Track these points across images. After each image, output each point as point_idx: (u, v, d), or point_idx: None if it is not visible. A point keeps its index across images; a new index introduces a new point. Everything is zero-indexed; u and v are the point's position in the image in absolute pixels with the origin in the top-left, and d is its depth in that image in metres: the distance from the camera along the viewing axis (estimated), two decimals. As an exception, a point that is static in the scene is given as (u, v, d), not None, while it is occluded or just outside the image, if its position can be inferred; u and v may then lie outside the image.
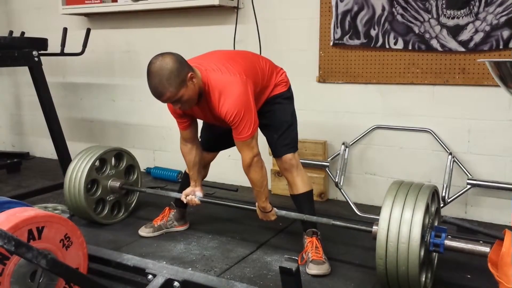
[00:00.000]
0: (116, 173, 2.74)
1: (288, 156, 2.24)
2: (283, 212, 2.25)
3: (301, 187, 2.27)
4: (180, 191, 2.60)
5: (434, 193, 1.88)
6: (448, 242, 1.79)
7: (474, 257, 2.22)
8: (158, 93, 1.95)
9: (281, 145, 2.25)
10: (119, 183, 2.70)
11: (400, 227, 1.70)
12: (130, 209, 2.87)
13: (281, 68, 2.35)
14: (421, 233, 1.68)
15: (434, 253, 1.97)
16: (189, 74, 1.96)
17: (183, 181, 2.64)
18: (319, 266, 2.10)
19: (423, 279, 1.79)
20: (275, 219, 2.27)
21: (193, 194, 2.41)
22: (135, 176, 2.87)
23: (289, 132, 2.28)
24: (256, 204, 2.27)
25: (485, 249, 1.72)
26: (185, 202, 2.43)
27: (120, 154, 2.79)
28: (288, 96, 2.32)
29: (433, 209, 1.89)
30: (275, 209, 2.25)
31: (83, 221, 2.72)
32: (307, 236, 2.24)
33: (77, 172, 2.58)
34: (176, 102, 2.00)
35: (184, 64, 1.97)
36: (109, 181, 2.70)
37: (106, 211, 2.71)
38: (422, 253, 1.72)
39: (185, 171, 2.60)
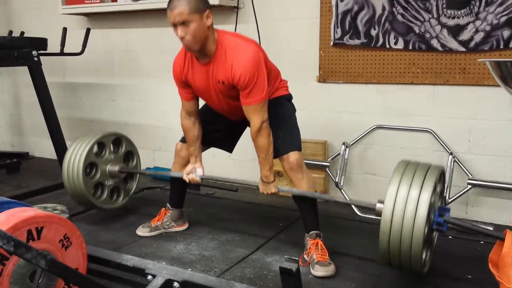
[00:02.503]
0: (115, 158, 2.72)
1: (294, 154, 2.21)
2: (286, 188, 2.25)
3: (305, 189, 2.24)
4: (172, 196, 2.63)
5: (442, 174, 1.87)
6: (452, 221, 1.76)
7: (475, 257, 2.23)
8: (173, 4, 1.99)
9: (286, 143, 2.23)
10: (118, 167, 2.68)
11: (407, 204, 1.67)
12: (130, 195, 2.84)
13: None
14: (428, 211, 1.66)
15: (435, 232, 1.95)
16: (208, 11, 2.02)
17: (172, 185, 2.64)
18: (325, 268, 2.09)
19: (424, 256, 1.77)
20: (276, 193, 2.25)
21: (193, 172, 2.40)
22: (134, 163, 2.85)
23: (293, 132, 2.28)
24: (259, 176, 2.25)
25: (489, 228, 1.70)
26: (186, 181, 2.42)
27: (118, 139, 2.77)
28: (290, 99, 2.36)
29: (438, 189, 1.87)
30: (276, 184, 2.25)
31: (83, 221, 2.72)
32: (310, 238, 2.22)
33: (75, 156, 2.55)
34: (183, 25, 1.99)
35: (208, 2, 2.06)
36: (108, 165, 2.68)
37: (105, 196, 2.69)
38: (426, 231, 1.70)
39: (171, 178, 2.60)
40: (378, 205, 1.85)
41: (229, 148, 2.55)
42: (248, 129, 2.34)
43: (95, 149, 2.63)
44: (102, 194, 2.69)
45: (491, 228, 1.94)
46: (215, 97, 2.22)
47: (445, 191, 1.97)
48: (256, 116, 2.09)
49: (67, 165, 2.58)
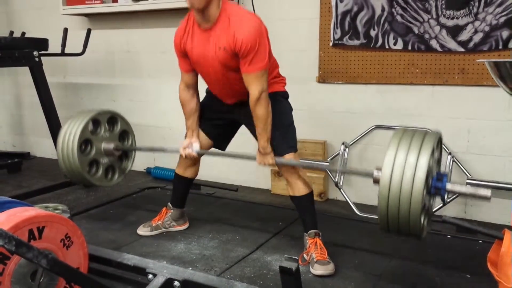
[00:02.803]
0: (110, 136, 2.66)
1: (290, 156, 2.22)
2: (282, 160, 2.21)
3: (302, 189, 2.26)
4: (174, 196, 2.62)
5: (439, 140, 1.86)
6: (449, 186, 1.75)
7: (474, 257, 2.23)
8: None
9: (282, 144, 2.23)
10: (113, 145, 2.62)
11: (405, 169, 1.65)
12: (125, 173, 2.78)
13: None
14: (426, 175, 1.64)
15: (432, 199, 1.92)
16: None
17: (175, 185, 2.63)
18: (325, 267, 2.10)
19: (423, 220, 1.76)
20: (273, 164, 2.22)
21: (190, 147, 2.37)
22: (130, 142, 2.78)
23: (289, 132, 2.27)
24: (257, 149, 2.22)
25: (486, 193, 1.68)
26: (183, 156, 2.40)
27: (114, 118, 2.71)
28: (287, 97, 2.34)
29: (436, 155, 1.86)
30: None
31: (84, 221, 2.73)
32: (309, 237, 2.23)
33: (70, 133, 2.49)
34: None
35: None
36: (103, 143, 2.61)
37: (100, 174, 2.63)
38: (424, 194, 1.68)
39: (177, 174, 2.59)
40: (376, 172, 1.84)
41: (223, 146, 2.54)
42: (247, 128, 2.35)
43: (90, 126, 2.56)
44: (97, 172, 2.62)
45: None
46: (213, 68, 2.16)
47: (441, 156, 1.93)
48: (256, 84, 2.06)
49: (62, 141, 2.50)
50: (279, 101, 2.27)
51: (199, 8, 2.03)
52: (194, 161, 2.51)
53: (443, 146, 2.72)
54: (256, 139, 2.25)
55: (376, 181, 1.78)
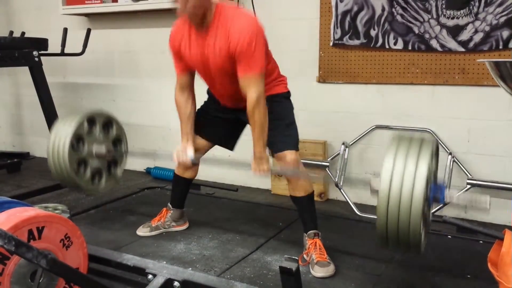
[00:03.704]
0: (103, 139, 2.56)
1: (290, 153, 2.16)
2: (278, 168, 2.19)
3: (303, 190, 2.23)
4: (173, 196, 2.61)
5: (436, 148, 1.84)
6: (448, 196, 1.72)
7: (474, 257, 2.23)
8: None
9: (282, 141, 2.19)
10: (104, 148, 2.50)
11: (404, 178, 1.62)
12: (116, 181, 2.67)
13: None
14: (426, 185, 1.63)
15: (430, 211, 1.91)
16: None
17: (175, 185, 2.62)
18: (325, 268, 2.09)
19: (423, 232, 1.75)
20: (268, 171, 2.16)
21: (184, 153, 2.32)
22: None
23: (290, 130, 2.23)
24: (252, 155, 2.16)
25: (485, 197, 1.67)
26: (176, 162, 2.36)
27: (109, 121, 2.61)
28: (288, 97, 2.32)
29: (434, 164, 1.85)
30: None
31: (84, 221, 2.72)
32: (309, 238, 2.22)
33: (63, 130, 2.40)
34: None
35: None
36: (95, 144, 2.50)
37: (87, 176, 2.51)
38: (424, 204, 1.66)
39: (176, 174, 2.57)
40: (374, 181, 1.81)
41: (230, 146, 2.50)
42: (248, 128, 2.34)
43: (85, 125, 2.47)
44: (85, 174, 2.50)
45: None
46: (212, 71, 2.14)
47: (438, 163, 1.92)
48: (253, 88, 2.01)
49: (53, 137, 2.41)
50: (280, 102, 2.25)
51: (197, 20, 2.03)
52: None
53: (443, 146, 2.73)
54: (269, 144, 2.21)
55: (374, 189, 1.76)
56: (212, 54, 2.06)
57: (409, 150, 1.69)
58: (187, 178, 2.56)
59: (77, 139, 2.45)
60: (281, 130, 2.20)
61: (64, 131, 2.41)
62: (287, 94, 2.32)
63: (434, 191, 1.72)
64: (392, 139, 1.77)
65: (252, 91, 2.02)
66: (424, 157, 1.65)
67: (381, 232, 1.69)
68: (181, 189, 2.60)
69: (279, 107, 2.23)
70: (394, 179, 1.64)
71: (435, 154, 1.82)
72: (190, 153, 2.30)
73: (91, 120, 2.54)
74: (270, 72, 2.21)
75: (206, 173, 3.23)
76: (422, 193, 1.60)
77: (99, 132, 2.55)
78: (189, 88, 2.31)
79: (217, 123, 2.42)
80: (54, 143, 2.42)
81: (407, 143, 1.72)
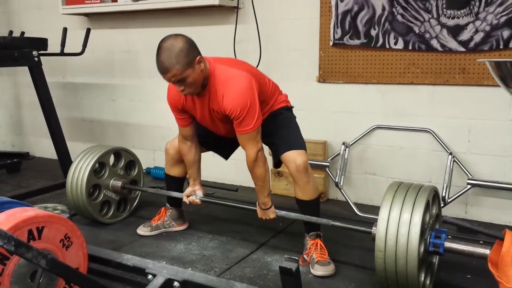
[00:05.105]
0: (116, 171, 2.74)
1: (301, 157, 2.13)
2: (283, 212, 2.24)
3: (311, 194, 2.21)
4: (168, 196, 2.62)
5: (435, 194, 1.88)
6: (448, 244, 1.79)
7: (474, 257, 2.23)
8: (164, 68, 1.95)
9: (290, 142, 2.20)
10: (120, 183, 2.70)
11: (399, 225, 1.70)
12: (134, 204, 2.89)
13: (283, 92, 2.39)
14: (421, 232, 1.68)
15: (435, 256, 1.97)
16: (198, 58, 1.98)
17: (167, 184, 2.63)
18: (325, 267, 2.10)
19: (422, 279, 1.78)
20: (274, 218, 2.25)
21: (193, 194, 2.42)
22: (136, 171, 2.86)
23: (294, 135, 2.25)
24: (257, 203, 2.26)
25: (485, 251, 1.72)
26: (187, 203, 2.44)
27: (117, 153, 2.78)
28: (290, 109, 2.37)
29: (434, 211, 1.89)
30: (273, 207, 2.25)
31: (83, 221, 2.72)
32: (310, 238, 2.22)
33: (77, 180, 2.58)
34: (180, 82, 1.98)
35: (194, 47, 2.00)
36: (111, 181, 2.71)
37: (112, 211, 2.74)
38: (422, 251, 1.72)
39: (165, 173, 2.60)
40: (374, 229, 1.88)
41: (225, 155, 2.56)
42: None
43: (96, 166, 2.65)
44: (109, 211, 2.75)
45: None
46: (213, 123, 2.24)
47: (440, 213, 1.98)
48: (251, 145, 2.08)
49: (70, 189, 2.61)
50: (281, 113, 2.30)
51: (198, 93, 2.09)
52: (180, 159, 2.49)
53: (443, 146, 2.73)
54: (273, 153, 2.30)
55: (374, 238, 1.82)
56: (212, 111, 2.15)
57: (406, 197, 1.77)
58: (176, 176, 2.57)
59: (101, 165, 2.68)
60: (287, 133, 2.24)
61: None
62: (289, 107, 2.36)
63: (434, 238, 1.79)
64: (389, 186, 1.83)
65: (249, 148, 2.10)
66: (419, 204, 1.73)
67: (380, 274, 1.77)
68: (174, 187, 2.60)
69: (283, 116, 2.29)
70: (390, 225, 1.72)
71: (435, 201, 1.87)
72: (199, 194, 2.43)
73: (118, 154, 2.77)
74: (271, 95, 2.27)
75: (206, 173, 3.22)
76: (417, 238, 1.67)
77: (121, 167, 2.77)
78: (192, 138, 2.37)
79: (212, 135, 2.42)
80: (73, 196, 2.62)
81: (404, 190, 1.80)
